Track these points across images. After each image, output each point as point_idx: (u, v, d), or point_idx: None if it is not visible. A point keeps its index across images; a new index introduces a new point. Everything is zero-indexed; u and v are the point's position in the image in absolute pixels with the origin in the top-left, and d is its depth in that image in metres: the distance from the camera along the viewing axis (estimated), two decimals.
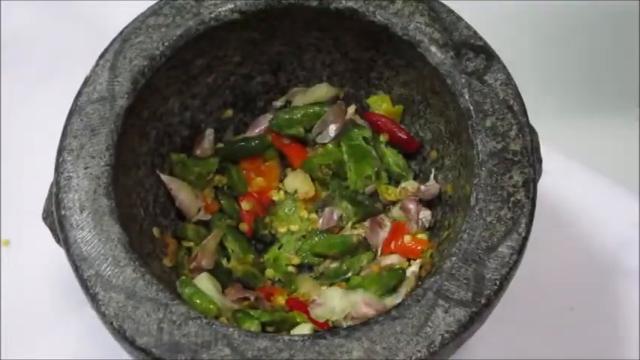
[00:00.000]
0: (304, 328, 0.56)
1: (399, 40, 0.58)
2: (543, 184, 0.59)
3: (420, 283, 0.58)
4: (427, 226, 0.62)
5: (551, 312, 0.67)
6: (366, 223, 0.63)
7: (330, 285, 0.61)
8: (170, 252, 0.59)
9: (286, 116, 0.64)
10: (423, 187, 0.62)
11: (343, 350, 0.48)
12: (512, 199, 0.53)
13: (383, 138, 0.64)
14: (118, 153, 0.54)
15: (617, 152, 0.85)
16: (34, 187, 0.63)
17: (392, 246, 0.61)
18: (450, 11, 0.58)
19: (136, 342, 0.48)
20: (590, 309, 0.67)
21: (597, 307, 0.68)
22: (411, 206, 0.62)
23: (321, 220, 0.63)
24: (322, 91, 0.65)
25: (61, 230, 0.52)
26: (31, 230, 0.63)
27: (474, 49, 0.57)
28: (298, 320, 0.57)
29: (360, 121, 0.64)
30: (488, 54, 0.57)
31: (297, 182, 0.64)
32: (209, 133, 0.64)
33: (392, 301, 0.58)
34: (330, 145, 0.64)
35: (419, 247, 0.61)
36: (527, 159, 0.54)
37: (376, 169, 0.63)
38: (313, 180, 0.64)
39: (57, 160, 0.54)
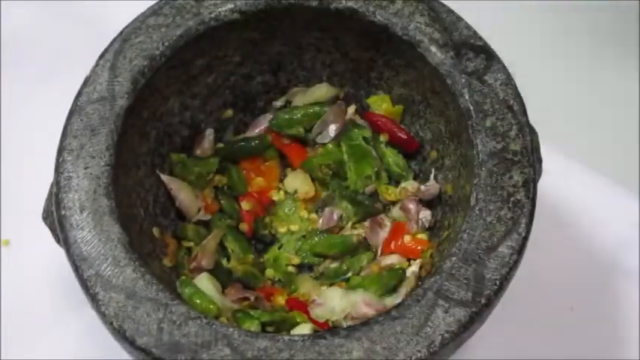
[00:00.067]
0: (304, 328, 0.56)
1: (399, 40, 0.58)
2: (543, 184, 0.59)
3: (420, 283, 0.58)
4: (427, 226, 0.62)
5: (551, 312, 0.67)
6: (366, 223, 0.63)
7: (330, 285, 0.61)
8: (170, 252, 0.59)
9: (286, 116, 0.64)
10: (423, 187, 0.62)
11: (343, 350, 0.48)
12: (512, 199, 0.53)
13: (383, 138, 0.64)
14: (118, 153, 0.54)
15: (617, 152, 0.85)
16: (34, 187, 0.63)
17: (392, 246, 0.61)
18: (450, 11, 0.58)
19: (136, 342, 0.48)
20: (590, 309, 0.67)
21: (597, 307, 0.68)
22: (411, 206, 0.62)
23: (321, 220, 0.63)
24: (322, 91, 0.65)
25: (61, 230, 0.52)
26: (31, 230, 0.63)
27: (474, 49, 0.57)
28: (298, 320, 0.57)
29: (360, 121, 0.64)
30: (488, 54, 0.57)
31: (297, 182, 0.64)
32: (209, 133, 0.64)
33: (392, 301, 0.58)
34: (330, 145, 0.64)
35: (419, 247, 0.61)
36: (527, 159, 0.54)
37: (376, 169, 0.63)
38: (313, 180, 0.64)
39: (57, 160, 0.54)
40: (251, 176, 0.64)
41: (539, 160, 0.57)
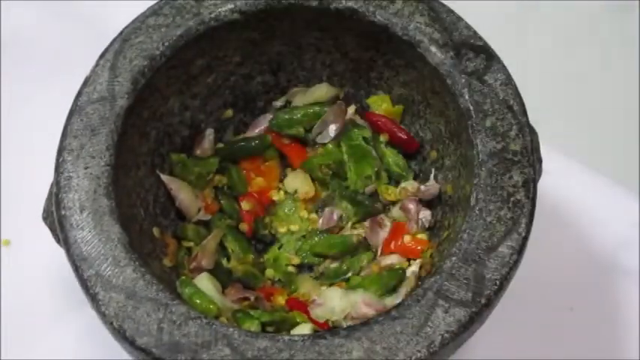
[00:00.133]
0: (304, 328, 0.56)
1: (399, 40, 0.58)
2: (543, 184, 0.59)
3: (420, 283, 0.58)
4: (427, 226, 0.62)
5: (551, 312, 0.67)
6: (366, 223, 0.63)
7: (330, 285, 0.61)
8: (170, 252, 0.59)
9: (286, 116, 0.64)
10: (423, 187, 0.62)
11: (343, 350, 0.48)
12: (512, 199, 0.53)
13: (383, 138, 0.64)
14: (118, 153, 0.54)
15: (617, 152, 0.85)
16: (34, 187, 0.63)
17: (392, 246, 0.61)
18: (450, 11, 0.58)
19: (136, 342, 0.48)
20: (590, 309, 0.67)
21: (597, 307, 0.68)
22: (411, 206, 0.62)
23: (321, 220, 0.63)
24: (322, 91, 0.65)
25: (61, 230, 0.52)
26: (31, 230, 0.63)
27: (473, 49, 0.57)
28: (298, 320, 0.57)
29: (360, 121, 0.64)
30: (488, 54, 0.57)
31: (297, 182, 0.64)
32: (209, 133, 0.64)
33: (392, 301, 0.58)
34: (330, 145, 0.64)
35: (419, 247, 0.61)
36: (527, 159, 0.54)
37: (376, 169, 0.63)
38: (313, 180, 0.64)
39: (57, 160, 0.54)
40: (251, 176, 0.64)
41: (539, 160, 0.57)
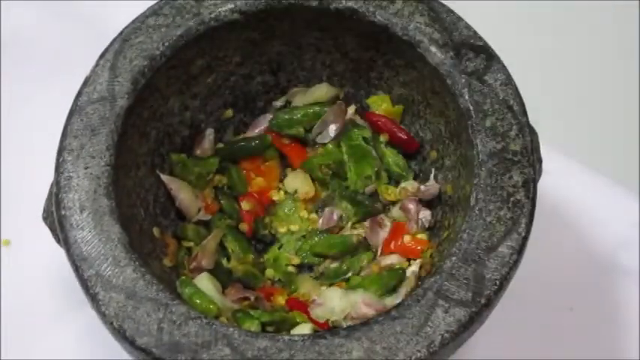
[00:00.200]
0: (304, 328, 0.56)
1: (399, 40, 0.58)
2: (543, 184, 0.59)
3: (420, 283, 0.58)
4: (427, 226, 0.62)
5: (551, 312, 0.67)
6: (366, 223, 0.63)
7: (330, 285, 0.61)
8: (170, 252, 0.59)
9: (286, 116, 0.64)
10: (423, 187, 0.62)
11: (343, 350, 0.48)
12: (512, 199, 0.53)
13: (383, 138, 0.64)
14: (118, 153, 0.54)
15: (617, 152, 0.85)
16: (34, 187, 0.63)
17: (392, 246, 0.61)
18: (450, 11, 0.58)
19: (136, 342, 0.48)
20: (590, 309, 0.67)
21: (597, 307, 0.68)
22: (411, 206, 0.62)
23: (321, 220, 0.63)
24: (322, 91, 0.65)
25: (61, 230, 0.52)
26: (31, 230, 0.63)
27: (473, 49, 0.57)
28: (298, 320, 0.57)
29: (360, 121, 0.64)
30: (488, 54, 0.57)
31: (297, 182, 0.64)
32: (209, 133, 0.64)
33: (392, 301, 0.58)
34: (330, 145, 0.64)
35: (419, 247, 0.61)
36: (527, 159, 0.54)
37: (376, 169, 0.63)
38: (313, 180, 0.64)
39: (57, 160, 0.54)
40: (251, 176, 0.64)
41: (539, 160, 0.57)
